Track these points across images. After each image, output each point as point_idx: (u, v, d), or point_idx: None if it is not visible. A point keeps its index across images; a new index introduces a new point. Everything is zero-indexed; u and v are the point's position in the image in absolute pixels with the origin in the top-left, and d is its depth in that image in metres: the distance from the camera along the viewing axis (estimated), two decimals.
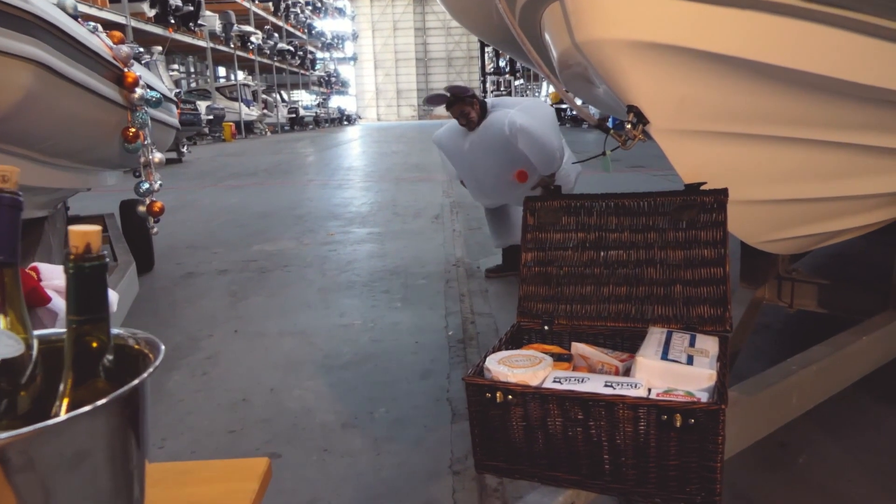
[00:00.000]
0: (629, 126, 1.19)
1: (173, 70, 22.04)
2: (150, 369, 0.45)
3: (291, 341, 2.85)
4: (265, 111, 25.34)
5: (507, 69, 26.43)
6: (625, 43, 1.05)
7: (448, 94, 3.26)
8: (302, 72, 32.67)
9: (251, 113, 23.49)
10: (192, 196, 7.90)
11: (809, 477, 1.72)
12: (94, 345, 0.45)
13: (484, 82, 26.50)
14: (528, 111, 3.25)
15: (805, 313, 2.43)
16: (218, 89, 22.22)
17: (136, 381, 0.42)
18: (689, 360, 1.17)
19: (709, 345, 1.24)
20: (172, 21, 16.76)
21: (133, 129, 2.48)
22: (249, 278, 3.94)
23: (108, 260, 0.46)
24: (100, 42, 2.34)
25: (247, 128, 22.90)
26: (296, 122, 29.01)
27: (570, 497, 1.27)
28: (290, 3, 30.62)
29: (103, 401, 0.40)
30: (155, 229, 3.15)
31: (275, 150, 16.29)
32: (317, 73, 36.88)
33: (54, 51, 1.91)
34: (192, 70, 26.13)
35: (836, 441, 1.88)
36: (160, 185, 2.89)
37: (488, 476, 1.76)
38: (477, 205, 6.59)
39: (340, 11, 44.83)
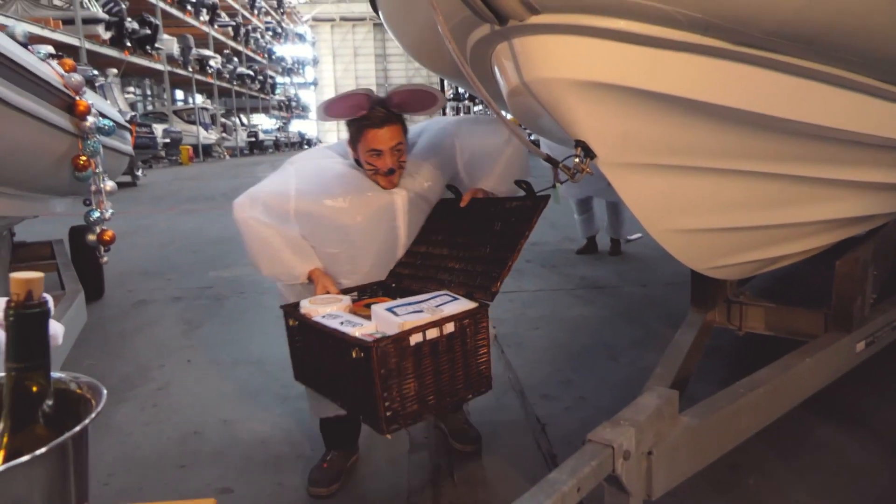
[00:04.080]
0: (577, 160, 1.23)
1: (129, 93, 21.65)
2: (92, 415, 0.44)
3: (247, 370, 2.80)
4: (224, 134, 25.07)
5: (467, 95, 26.84)
6: (571, 82, 1.09)
7: (380, 104, 1.79)
8: (262, 96, 32.52)
9: (209, 136, 23.21)
10: (147, 221, 7.74)
11: (758, 498, 1.77)
12: (34, 389, 0.45)
13: (444, 109, 26.87)
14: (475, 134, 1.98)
15: (754, 335, 2.51)
16: (175, 112, 21.91)
17: (75, 429, 0.42)
18: (412, 313, 1.44)
19: (456, 307, 1.50)
20: (129, 44, 16.54)
21: (84, 158, 2.44)
22: (204, 305, 3.87)
23: (49, 307, 0.46)
24: (50, 70, 2.31)
25: (205, 151, 22.60)
26: (255, 145, 28.77)
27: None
28: (250, 28, 30.57)
29: (41, 450, 0.39)
30: (105, 258, 3.07)
31: (233, 174, 16.09)
32: (277, 97, 36.75)
33: (1, 79, 1.87)
34: (148, 93, 25.74)
35: (784, 461, 1.94)
36: (111, 213, 2.83)
37: None
38: None
39: (301, 37, 44.93)
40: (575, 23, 1.03)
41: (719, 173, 1.42)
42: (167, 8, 19.70)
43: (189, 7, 21.66)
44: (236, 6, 28.51)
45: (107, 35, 15.49)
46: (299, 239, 1.82)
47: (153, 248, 5.94)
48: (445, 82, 27.36)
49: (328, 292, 1.75)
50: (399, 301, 1.52)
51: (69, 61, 2.55)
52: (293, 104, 40.47)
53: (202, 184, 13.27)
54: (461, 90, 27.04)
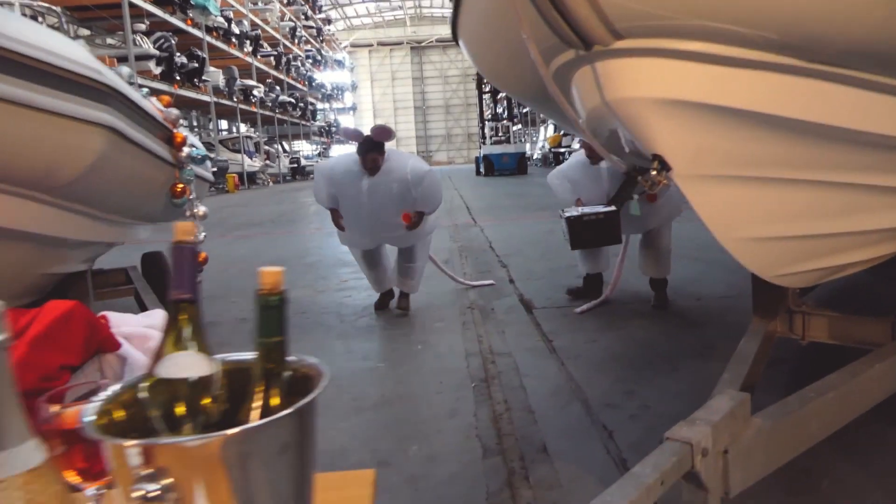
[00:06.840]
0: (654, 172, 1.32)
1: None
2: (324, 383, 0.55)
3: None
4: (267, 162, 25.76)
5: (505, 115, 27.05)
6: (651, 100, 1.19)
7: (369, 137, 3.58)
8: (303, 122, 33.36)
9: (254, 164, 23.87)
10: (202, 247, 8.02)
11: (834, 501, 1.79)
12: (274, 364, 0.56)
13: (483, 128, 27.18)
14: (421, 161, 3.97)
15: (817, 346, 2.52)
16: (221, 142, 22.63)
17: (315, 392, 0.53)
18: (588, 208, 3.65)
19: (603, 210, 3.50)
20: (178, 78, 17.24)
21: (181, 185, 2.64)
22: None
23: (287, 296, 0.57)
24: (152, 106, 2.52)
25: (249, 178, 23.24)
26: (297, 171, 29.48)
27: None
28: (291, 57, 31.49)
29: (306, 399, 0.51)
30: (200, 279, 3.24)
31: (278, 200, 16.54)
32: (317, 123, 37.65)
33: (123, 116, 2.07)
34: (195, 124, 26.66)
35: (857, 466, 1.95)
36: (204, 235, 3.02)
37: None
38: (484, 248, 6.73)
39: (340, 63, 46.03)
40: (656, 46, 1.13)
41: (789, 183, 1.49)
42: (213, 41, 20.49)
43: (233, 39, 22.48)
44: (278, 36, 29.46)
45: (157, 70, 16.19)
46: None
47: (214, 272, 6.15)
48: (485, 103, 27.53)
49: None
50: (587, 207, 3.59)
51: (166, 97, 2.77)
52: (333, 129, 41.35)
53: (249, 210, 13.68)
54: (499, 111, 27.19)
